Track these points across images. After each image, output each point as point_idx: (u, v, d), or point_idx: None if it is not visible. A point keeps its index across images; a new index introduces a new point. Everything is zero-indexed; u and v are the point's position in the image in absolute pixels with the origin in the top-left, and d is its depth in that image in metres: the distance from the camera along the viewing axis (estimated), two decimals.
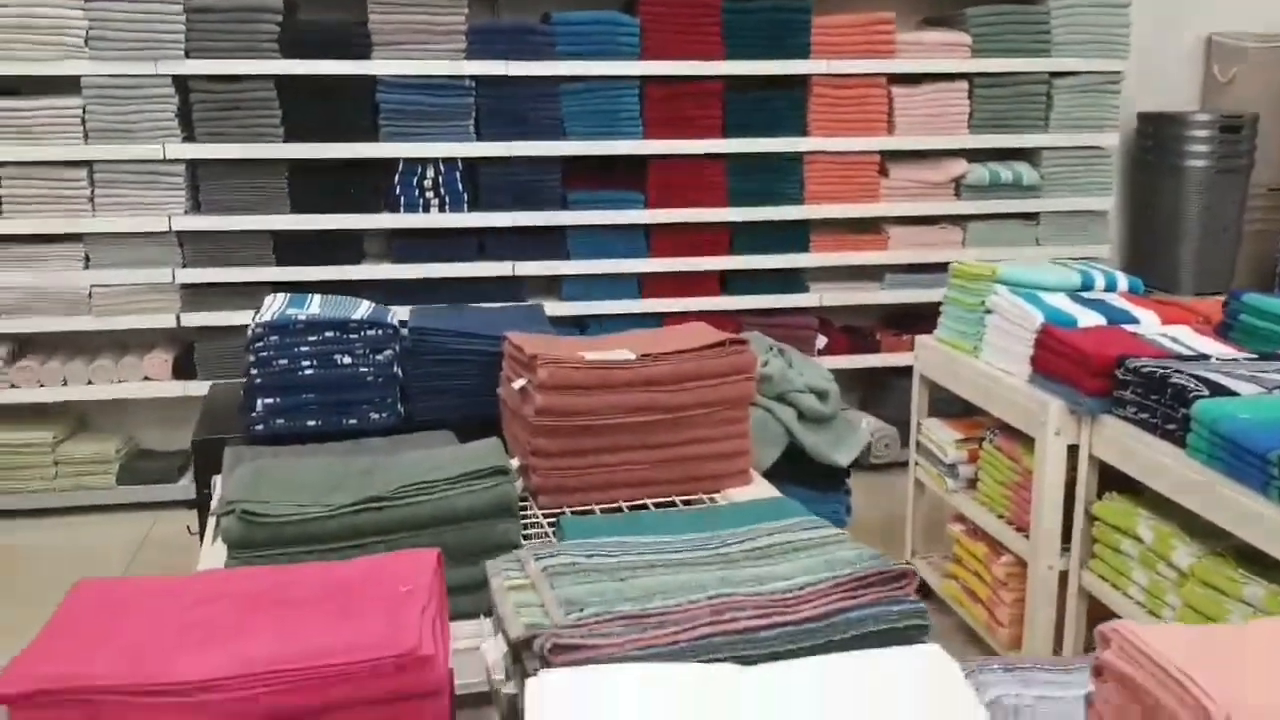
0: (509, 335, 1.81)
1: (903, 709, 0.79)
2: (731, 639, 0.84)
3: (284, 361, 1.88)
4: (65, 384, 3.88)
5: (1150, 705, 0.83)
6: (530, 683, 0.80)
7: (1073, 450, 2.33)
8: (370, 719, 0.87)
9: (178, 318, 3.84)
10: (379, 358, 1.92)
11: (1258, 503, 1.75)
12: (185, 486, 4.08)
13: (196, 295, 3.85)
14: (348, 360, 1.90)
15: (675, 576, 0.93)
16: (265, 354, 1.88)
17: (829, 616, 0.87)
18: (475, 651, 1.00)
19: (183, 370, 3.98)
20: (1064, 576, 2.40)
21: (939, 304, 2.88)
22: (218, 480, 1.65)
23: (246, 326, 1.95)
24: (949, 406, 2.90)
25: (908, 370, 3.06)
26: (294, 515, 1.25)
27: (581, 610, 0.86)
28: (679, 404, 1.70)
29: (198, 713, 0.84)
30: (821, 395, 2.14)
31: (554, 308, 3.76)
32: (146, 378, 3.96)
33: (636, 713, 0.77)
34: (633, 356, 1.69)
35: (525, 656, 0.85)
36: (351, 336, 1.90)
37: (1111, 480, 2.27)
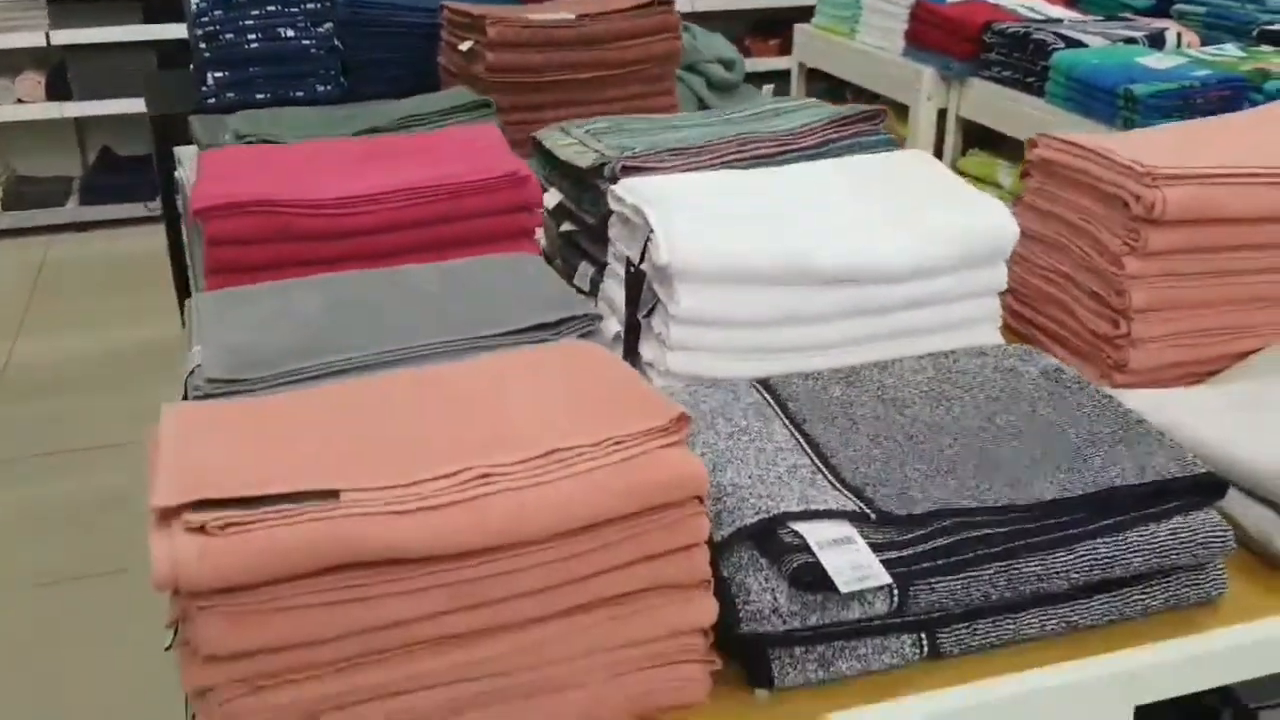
0: (446, 3, 1.94)
1: (916, 184, 1.06)
2: (753, 163, 1.09)
3: (230, 35, 1.97)
4: None
5: (1076, 180, 1.07)
6: (617, 186, 1.00)
7: (943, 115, 2.61)
8: (492, 226, 1.12)
9: (47, 36, 3.74)
10: (319, 30, 2.03)
11: (1107, 133, 2.06)
12: (74, 210, 4.08)
13: (65, 10, 3.75)
14: (290, 33, 2.01)
15: (704, 129, 1.18)
16: (211, 29, 1.97)
17: (824, 145, 1.13)
18: None
19: (56, 91, 3.91)
20: None
21: (809, 8, 3.08)
22: (180, 153, 1.77)
23: (119, 43, 2.02)
24: (829, 97, 3.14)
25: (784, 74, 3.27)
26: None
27: (634, 149, 1.08)
28: (616, 60, 1.88)
29: (360, 220, 1.06)
30: (728, 64, 2.34)
31: None
32: (20, 100, 3.88)
33: (710, 189, 1.01)
34: (572, 17, 1.85)
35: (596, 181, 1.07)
36: (293, 10, 2.00)
37: (974, 142, 2.57)
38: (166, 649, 0.68)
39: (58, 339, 3.42)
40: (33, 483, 2.72)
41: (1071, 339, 1.11)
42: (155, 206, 3.78)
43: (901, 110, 2.69)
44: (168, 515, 0.63)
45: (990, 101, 2.42)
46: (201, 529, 0.62)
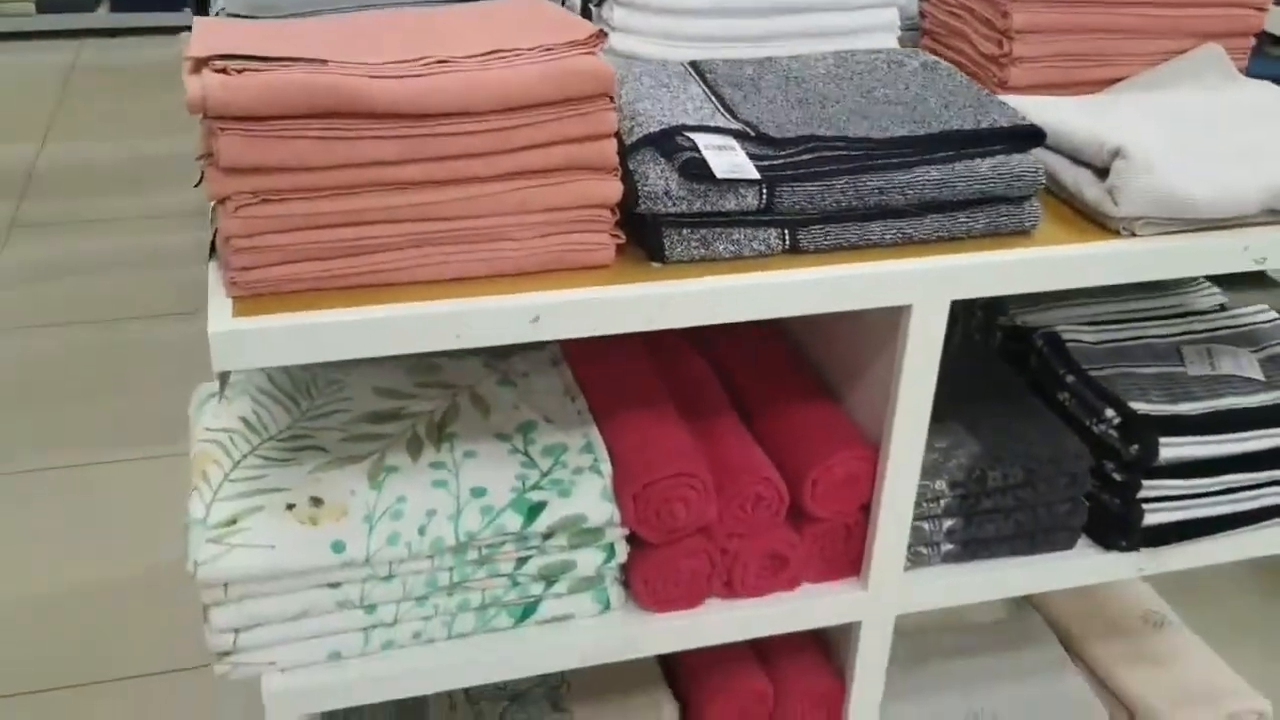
0: None
1: None
2: None
3: None
4: None
5: None
6: None
7: None
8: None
9: None
10: None
11: None
12: (103, 16, 4.24)
13: None
14: None
15: None
16: None
17: None
18: None
19: None
20: None
21: None
22: None
23: None
24: None
25: None
26: None
27: None
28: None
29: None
30: None
31: None
32: None
33: None
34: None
35: None
36: None
37: None
38: (195, 186, 0.89)
39: (84, 143, 3.60)
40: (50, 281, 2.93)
41: (968, 65, 1.29)
42: (186, 15, 3.94)
43: None
44: (199, 65, 0.83)
45: None
46: (224, 70, 0.82)
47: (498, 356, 1.20)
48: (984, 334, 1.36)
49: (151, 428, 2.19)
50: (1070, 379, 1.21)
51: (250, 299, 0.87)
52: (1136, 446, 1.13)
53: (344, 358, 0.87)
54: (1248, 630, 1.76)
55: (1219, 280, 1.39)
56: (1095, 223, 1.05)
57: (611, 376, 1.15)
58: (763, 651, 1.24)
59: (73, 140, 3.58)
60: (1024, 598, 1.61)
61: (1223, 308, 1.35)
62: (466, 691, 1.22)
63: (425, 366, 1.17)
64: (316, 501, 0.99)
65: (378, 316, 0.87)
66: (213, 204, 0.87)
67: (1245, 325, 1.30)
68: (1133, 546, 1.18)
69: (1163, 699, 1.40)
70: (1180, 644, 1.49)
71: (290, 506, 0.98)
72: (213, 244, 0.90)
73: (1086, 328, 1.27)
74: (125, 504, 1.98)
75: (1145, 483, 1.15)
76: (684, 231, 0.95)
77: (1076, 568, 1.18)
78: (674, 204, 0.93)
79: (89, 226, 3.09)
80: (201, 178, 0.87)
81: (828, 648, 1.24)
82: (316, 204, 0.86)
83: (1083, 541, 1.20)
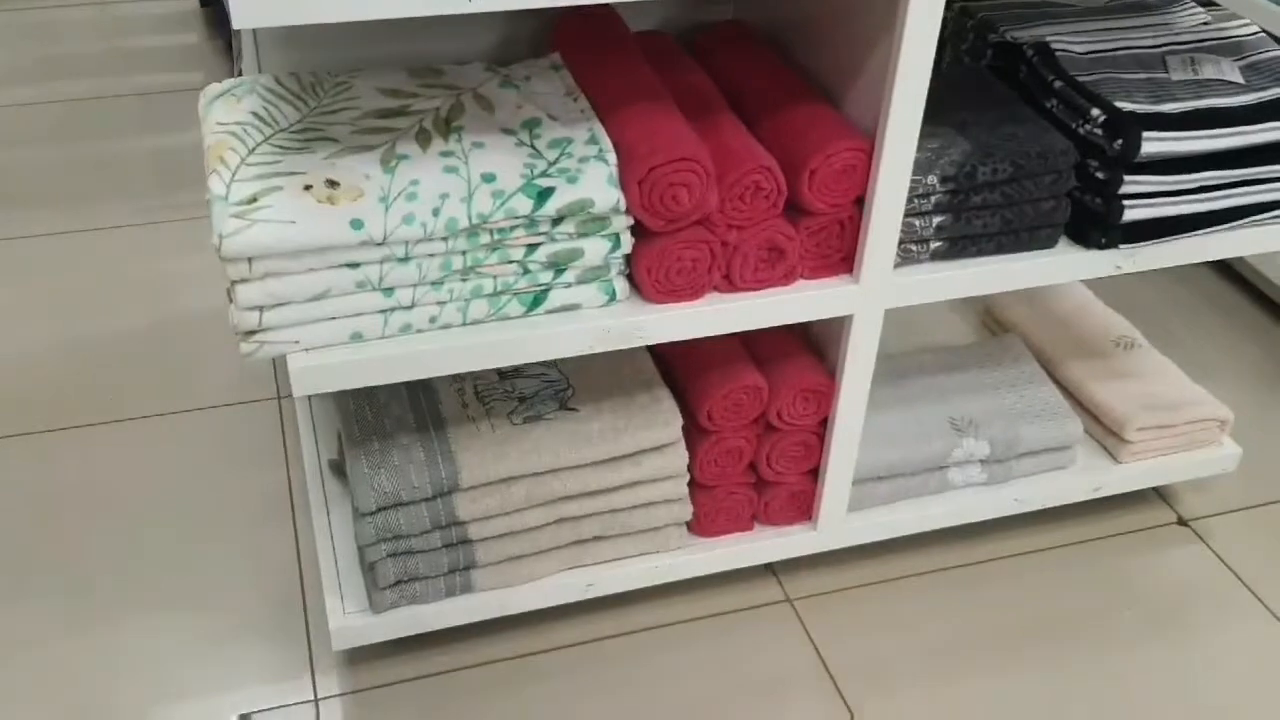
0: None
1: None
2: None
3: None
4: None
5: None
6: None
7: None
8: None
9: None
10: None
11: None
12: None
13: None
14: None
15: None
16: None
17: None
18: None
19: None
20: None
21: None
22: None
23: None
24: None
25: None
26: None
27: None
28: None
29: None
30: None
31: None
32: None
33: None
34: None
35: None
36: None
37: None
38: None
39: None
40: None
41: None
42: None
43: None
44: None
45: None
46: None
47: (499, 63, 1.21)
48: (974, 56, 1.38)
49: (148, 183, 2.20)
50: (1058, 84, 1.24)
51: None
52: (1120, 141, 1.17)
53: (364, 17, 0.88)
54: (1218, 365, 1.85)
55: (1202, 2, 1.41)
56: None
57: (612, 80, 1.17)
58: (757, 353, 1.30)
59: None
60: (1001, 323, 1.69)
61: (1205, 25, 1.38)
62: (478, 391, 1.28)
63: (429, 70, 1.19)
64: (333, 184, 1.02)
65: None
66: None
67: (1228, 37, 1.33)
68: (1111, 243, 1.23)
69: (1130, 406, 1.48)
70: (1149, 363, 1.57)
71: (308, 188, 1.01)
72: None
73: (1075, 38, 1.29)
74: (125, 265, 2.00)
75: (1126, 178, 1.19)
76: None
77: (1057, 264, 1.24)
78: None
79: None
80: None
81: (819, 350, 1.31)
82: None
83: (1064, 241, 1.25)
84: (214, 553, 1.46)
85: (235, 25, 0.86)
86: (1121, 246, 1.24)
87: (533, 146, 1.09)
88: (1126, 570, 1.50)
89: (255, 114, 1.10)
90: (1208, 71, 1.27)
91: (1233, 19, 1.36)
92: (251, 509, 1.53)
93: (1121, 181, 1.19)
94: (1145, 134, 1.17)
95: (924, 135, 1.14)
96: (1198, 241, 1.27)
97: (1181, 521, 1.58)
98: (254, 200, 0.99)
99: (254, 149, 1.05)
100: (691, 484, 1.31)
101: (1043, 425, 1.44)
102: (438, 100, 1.14)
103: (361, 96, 1.14)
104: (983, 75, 1.32)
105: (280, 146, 1.06)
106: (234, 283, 1.00)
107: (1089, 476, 1.49)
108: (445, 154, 1.07)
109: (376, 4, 0.88)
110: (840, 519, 1.38)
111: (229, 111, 1.10)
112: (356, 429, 1.24)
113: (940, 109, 1.19)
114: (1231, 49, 1.32)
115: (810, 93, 1.19)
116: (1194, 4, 1.42)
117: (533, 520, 1.24)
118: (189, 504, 1.53)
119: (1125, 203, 1.21)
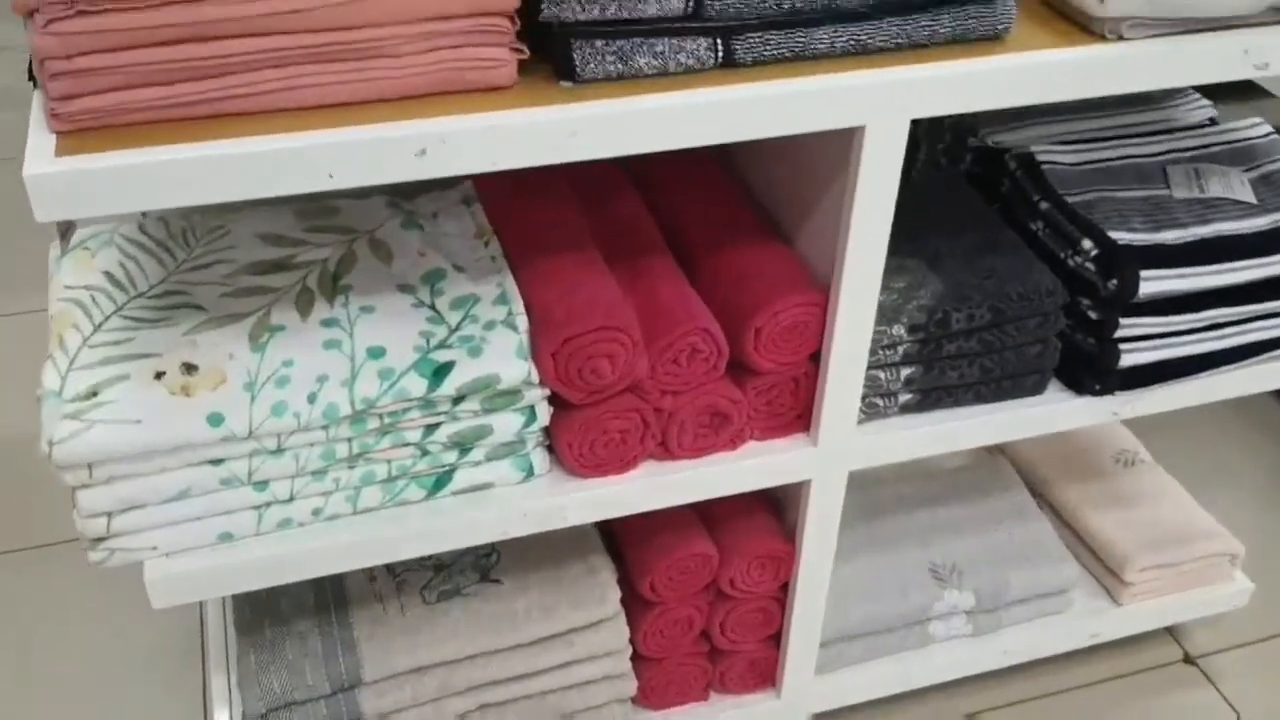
0: None
1: None
2: None
3: None
4: None
5: None
6: None
7: None
8: None
9: None
10: None
11: None
12: None
13: None
14: None
15: None
16: None
17: None
18: None
19: None
20: None
21: None
22: None
23: None
24: None
25: None
26: None
27: None
28: None
29: None
30: None
31: None
32: None
33: None
34: None
35: None
36: None
37: None
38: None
39: None
40: None
41: None
42: None
43: None
44: None
45: None
46: None
47: (403, 196, 1.06)
48: (951, 159, 1.23)
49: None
50: (1045, 206, 1.09)
51: (76, 134, 0.72)
52: (1115, 280, 1.02)
53: (191, 203, 0.73)
54: (1229, 473, 1.69)
55: (1208, 92, 1.26)
56: (1077, 24, 0.91)
57: (530, 217, 1.02)
58: (707, 513, 1.14)
59: None
60: None
61: (1212, 122, 1.22)
62: (388, 564, 1.13)
63: (320, 210, 1.04)
64: (190, 368, 0.87)
65: (231, 153, 0.72)
66: (23, 19, 0.71)
67: (1237, 141, 1.18)
68: (1107, 390, 1.08)
69: (1131, 541, 1.33)
70: (1152, 484, 1.42)
71: (159, 375, 0.86)
72: (31, 70, 0.75)
73: (1064, 147, 1.14)
74: None
75: (1123, 321, 1.04)
76: (597, 44, 0.80)
77: (1046, 415, 1.09)
78: (584, 9, 0.79)
79: None
80: None
81: (778, 507, 1.15)
82: (146, 14, 0.71)
83: (1053, 385, 1.10)
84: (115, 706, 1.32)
85: (38, 217, 0.71)
86: (1119, 393, 1.09)
87: (432, 307, 0.94)
88: (1128, 718, 1.35)
89: (109, 274, 0.95)
90: (1214, 188, 1.11)
91: (1241, 118, 1.21)
92: (161, 656, 1.38)
93: (1118, 324, 1.04)
94: (1144, 272, 1.02)
95: (890, 270, 0.99)
96: (1207, 382, 1.12)
97: (1188, 659, 1.43)
98: (93, 395, 0.84)
99: (101, 324, 0.90)
100: (635, 656, 1.16)
101: (1034, 569, 1.29)
102: (327, 250, 0.99)
103: (239, 246, 0.99)
104: (959, 188, 1.16)
105: (133, 319, 0.91)
106: (74, 488, 0.85)
107: (1086, 622, 1.33)
108: (328, 323, 0.92)
109: (203, 186, 0.73)
110: (807, 683, 1.23)
111: (79, 272, 0.95)
112: (248, 609, 1.08)
113: (910, 232, 1.04)
114: (1240, 156, 1.16)
115: (760, 230, 1.04)
116: (1198, 95, 1.27)
117: (450, 710, 1.09)
118: (90, 646, 1.39)
119: (1122, 346, 1.05)
